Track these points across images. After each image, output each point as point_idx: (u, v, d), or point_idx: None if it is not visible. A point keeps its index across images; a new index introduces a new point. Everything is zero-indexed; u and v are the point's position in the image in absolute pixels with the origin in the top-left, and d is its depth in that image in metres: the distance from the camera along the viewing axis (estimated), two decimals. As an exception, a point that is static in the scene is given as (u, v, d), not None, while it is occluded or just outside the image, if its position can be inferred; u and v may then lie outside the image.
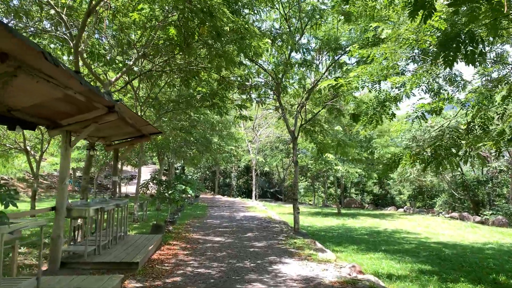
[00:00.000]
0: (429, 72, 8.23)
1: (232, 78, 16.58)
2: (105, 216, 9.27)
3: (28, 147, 20.31)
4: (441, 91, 8.84)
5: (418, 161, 8.64)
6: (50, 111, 7.09)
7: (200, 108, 18.56)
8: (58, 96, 5.77)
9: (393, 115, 8.60)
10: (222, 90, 16.76)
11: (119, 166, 45.76)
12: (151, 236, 10.75)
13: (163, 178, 36.99)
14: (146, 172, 44.46)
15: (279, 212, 25.23)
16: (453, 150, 8.39)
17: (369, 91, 8.58)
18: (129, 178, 41.00)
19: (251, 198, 39.55)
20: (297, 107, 15.36)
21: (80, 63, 11.07)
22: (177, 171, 45.06)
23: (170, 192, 12.34)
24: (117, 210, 9.68)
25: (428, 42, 7.48)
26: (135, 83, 17.75)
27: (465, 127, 8.52)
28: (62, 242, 7.17)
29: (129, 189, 40.37)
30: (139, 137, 10.87)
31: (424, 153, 8.92)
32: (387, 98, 8.48)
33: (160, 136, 19.89)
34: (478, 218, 22.24)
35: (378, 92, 8.65)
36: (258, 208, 24.99)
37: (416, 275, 8.45)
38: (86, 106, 7.14)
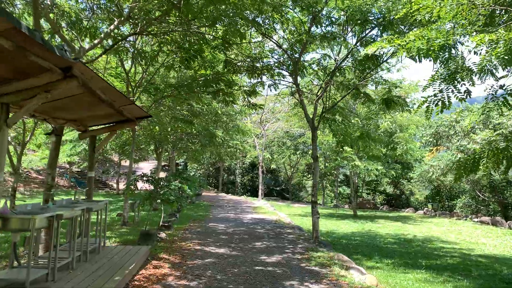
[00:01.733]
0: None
1: (240, 59, 14.24)
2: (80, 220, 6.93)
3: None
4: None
5: (505, 159, 6.15)
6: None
7: (202, 94, 16.18)
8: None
9: (468, 93, 6.12)
10: (229, 73, 14.42)
11: (117, 159, 43.62)
12: (136, 248, 8.41)
13: (162, 175, 34.63)
14: (147, 168, 42.16)
15: (289, 213, 22.84)
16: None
17: (435, 60, 6.16)
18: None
19: (256, 196, 37.20)
20: (318, 91, 12.94)
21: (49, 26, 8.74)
22: (180, 167, 42.79)
23: (162, 191, 9.98)
24: (93, 215, 7.34)
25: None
26: (127, 65, 15.42)
27: None
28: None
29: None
30: (122, 122, 8.52)
31: None
32: (460, 68, 6.02)
33: (157, 128, 17.54)
34: (515, 224, 19.78)
35: (445, 61, 6.21)
36: (266, 209, 22.61)
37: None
38: (30, 67, 4.81)
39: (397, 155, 22.29)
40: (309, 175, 48.08)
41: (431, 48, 5.62)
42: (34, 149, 26.05)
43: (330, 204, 42.11)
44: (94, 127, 8.92)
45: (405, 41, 5.83)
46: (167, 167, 38.14)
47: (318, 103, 12.71)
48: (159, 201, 10.13)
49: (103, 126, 8.73)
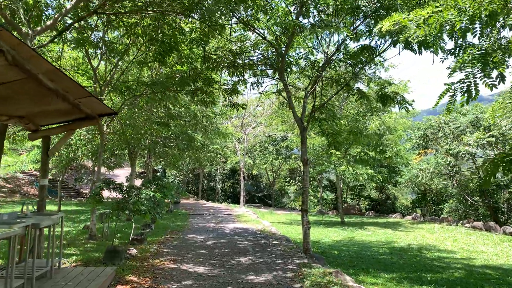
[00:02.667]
0: None
1: (220, 54, 12.99)
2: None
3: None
4: None
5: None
6: None
7: (179, 93, 14.85)
8: None
9: (502, 79, 4.96)
10: (207, 70, 13.17)
11: (91, 166, 41.60)
12: (98, 270, 7.01)
13: (138, 182, 33.03)
14: (123, 176, 40.23)
15: (273, 221, 21.59)
16: None
17: (463, 35, 5.03)
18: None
19: (238, 203, 35.84)
20: (307, 87, 11.77)
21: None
22: (158, 174, 41.06)
23: (131, 201, 8.59)
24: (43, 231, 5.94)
25: None
26: (94, 61, 14.00)
27: None
28: None
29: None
30: (81, 119, 7.14)
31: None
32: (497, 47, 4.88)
33: (129, 131, 16.09)
34: (510, 229, 18.91)
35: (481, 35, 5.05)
36: (249, 217, 21.29)
37: None
38: None
39: (386, 158, 21.33)
40: (292, 181, 47.00)
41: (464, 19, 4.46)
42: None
43: (313, 210, 41.01)
44: (49, 126, 7.52)
45: (430, 12, 4.67)
46: (143, 174, 36.54)
47: (307, 100, 11.55)
48: (128, 212, 8.74)
49: (57, 125, 7.33)
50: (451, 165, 22.24)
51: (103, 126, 12.85)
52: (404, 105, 10.68)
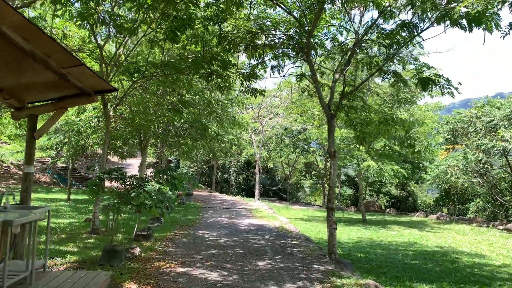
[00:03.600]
0: None
1: (237, 32, 11.76)
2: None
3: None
4: None
5: None
6: None
7: (193, 77, 13.69)
8: None
9: None
10: (224, 51, 11.98)
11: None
12: (89, 276, 5.89)
13: (148, 172, 32.11)
14: (136, 166, 39.36)
15: (290, 217, 20.41)
16: None
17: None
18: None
19: (252, 197, 34.71)
20: (335, 70, 10.45)
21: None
22: (172, 165, 40.14)
23: (133, 194, 7.46)
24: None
25: None
26: (102, 39, 12.90)
27: None
28: None
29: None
30: (74, 96, 6.01)
31: None
32: None
33: (137, 118, 14.97)
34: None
35: None
36: (264, 212, 20.10)
37: None
38: None
39: (414, 153, 19.83)
40: (307, 175, 45.68)
41: None
42: (7, 141, 23.42)
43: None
44: (36, 104, 6.39)
45: None
46: (157, 164, 35.65)
47: (336, 84, 10.24)
48: (130, 206, 7.61)
49: (47, 102, 6.20)
50: (482, 161, 20.66)
51: (109, 110, 11.75)
52: (448, 90, 9.30)
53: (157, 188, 7.88)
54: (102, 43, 12.37)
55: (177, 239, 10.82)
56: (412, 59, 10.84)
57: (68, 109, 16.63)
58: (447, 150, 25.75)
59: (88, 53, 13.06)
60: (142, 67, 12.30)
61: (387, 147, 19.33)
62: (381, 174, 18.95)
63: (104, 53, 12.11)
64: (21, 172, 35.78)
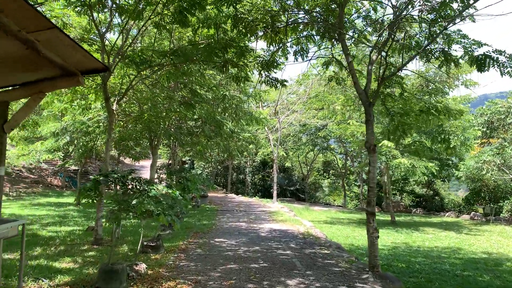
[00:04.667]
0: None
1: (254, 12, 10.39)
2: None
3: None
4: None
5: None
6: None
7: (205, 67, 12.33)
8: None
9: None
10: (239, 35, 10.58)
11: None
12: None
13: (159, 174, 30.84)
14: (149, 168, 38.23)
15: (313, 219, 18.93)
16: None
17: None
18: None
19: (269, 197, 33.27)
20: (371, 51, 8.94)
21: None
22: (187, 166, 38.90)
23: (134, 200, 6.09)
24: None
25: None
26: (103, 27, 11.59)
27: None
28: None
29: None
30: (54, 78, 4.67)
31: None
32: None
33: (146, 114, 13.64)
34: None
35: None
36: (285, 215, 18.63)
37: None
38: None
39: (448, 149, 18.10)
40: (325, 174, 44.03)
41: None
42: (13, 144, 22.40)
43: (350, 205, 38.01)
44: (7, 88, 5.06)
45: None
46: (170, 165, 34.45)
47: (374, 66, 8.76)
48: (131, 214, 6.24)
49: (20, 86, 4.87)
50: (523, 156, 18.91)
51: (112, 104, 10.43)
52: (509, 69, 7.73)
53: (164, 191, 6.50)
54: (104, 30, 11.07)
55: (190, 250, 9.45)
56: (460, 36, 9.27)
57: (72, 105, 15.53)
58: (481, 145, 23.91)
59: (89, 43, 11.81)
60: (149, 56, 10.97)
61: (417, 143, 17.70)
62: (413, 172, 17.33)
63: (107, 44, 10.85)
64: (33, 176, 35.02)
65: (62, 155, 22.51)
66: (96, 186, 6.56)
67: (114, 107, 10.53)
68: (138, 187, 6.58)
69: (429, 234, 16.41)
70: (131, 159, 33.38)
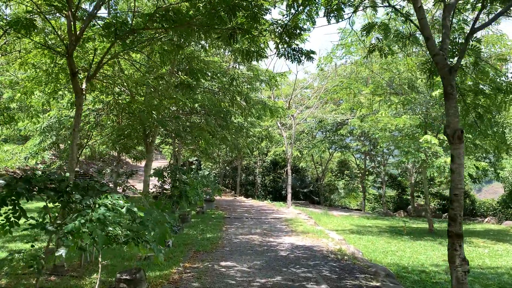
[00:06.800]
0: None
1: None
2: None
3: None
4: None
5: None
6: None
7: (208, 37, 9.55)
8: None
9: None
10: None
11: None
12: None
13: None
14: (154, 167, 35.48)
15: (337, 228, 16.11)
16: None
17: None
18: (129, 174, 31.81)
19: (281, 200, 30.49)
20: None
21: None
22: (193, 166, 36.16)
23: (69, 226, 3.39)
24: None
25: None
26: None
27: None
28: None
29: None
30: None
31: None
32: None
33: (135, 103, 10.91)
34: None
35: None
36: (304, 224, 15.76)
37: None
38: None
39: (507, 146, 15.14)
40: (340, 174, 40.99)
41: None
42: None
43: (367, 208, 35.04)
44: None
45: None
46: (170, 166, 31.70)
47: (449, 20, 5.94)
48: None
49: None
50: None
51: (81, 83, 7.74)
52: None
53: (124, 207, 3.75)
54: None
55: (185, 282, 6.69)
56: None
57: (60, 101, 13.04)
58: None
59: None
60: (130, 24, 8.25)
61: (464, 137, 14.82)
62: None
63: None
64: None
65: (49, 156, 19.95)
66: (14, 198, 3.83)
67: (84, 85, 7.82)
68: (84, 200, 3.84)
69: (480, 247, 13.50)
70: (132, 159, 30.96)
